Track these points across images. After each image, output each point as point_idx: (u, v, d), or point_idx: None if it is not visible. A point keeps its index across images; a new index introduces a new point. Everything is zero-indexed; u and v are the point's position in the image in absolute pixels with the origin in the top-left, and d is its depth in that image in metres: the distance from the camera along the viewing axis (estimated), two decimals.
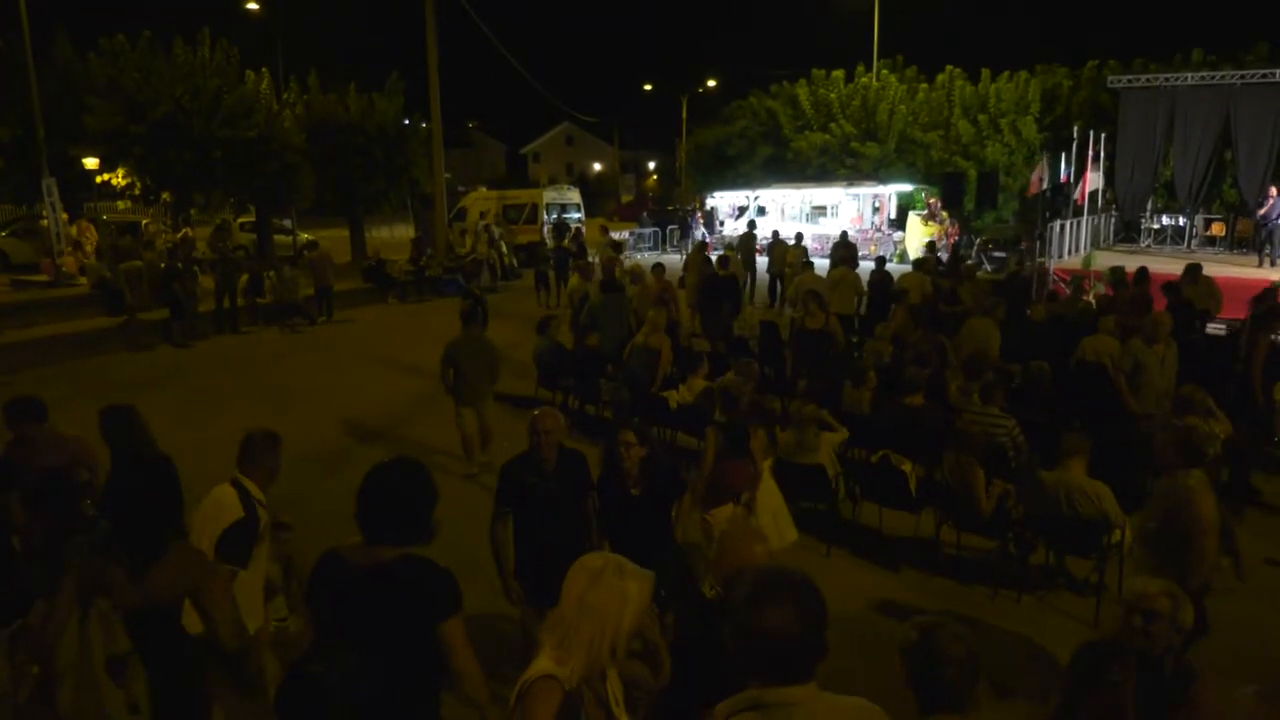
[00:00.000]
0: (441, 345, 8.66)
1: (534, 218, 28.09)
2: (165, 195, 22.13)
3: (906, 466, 6.96)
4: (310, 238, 27.32)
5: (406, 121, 27.71)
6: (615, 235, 31.20)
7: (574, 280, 13.12)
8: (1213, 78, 22.25)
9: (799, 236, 18.87)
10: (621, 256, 17.32)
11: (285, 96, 24.64)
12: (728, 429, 5.96)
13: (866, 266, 15.44)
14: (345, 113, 25.47)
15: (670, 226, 33.16)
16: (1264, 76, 21.27)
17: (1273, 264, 17.34)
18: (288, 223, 27.94)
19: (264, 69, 23.26)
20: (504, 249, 24.28)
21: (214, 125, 20.58)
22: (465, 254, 23.65)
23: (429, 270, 22.01)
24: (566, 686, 2.34)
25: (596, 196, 54.88)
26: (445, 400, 8.71)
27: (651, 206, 44.59)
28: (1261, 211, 18.12)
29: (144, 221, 25.16)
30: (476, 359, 8.51)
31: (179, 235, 23.01)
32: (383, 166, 26.10)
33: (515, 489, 4.69)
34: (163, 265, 17.09)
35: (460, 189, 40.81)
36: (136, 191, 21.80)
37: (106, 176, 21.25)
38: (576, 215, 29.84)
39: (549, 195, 29.63)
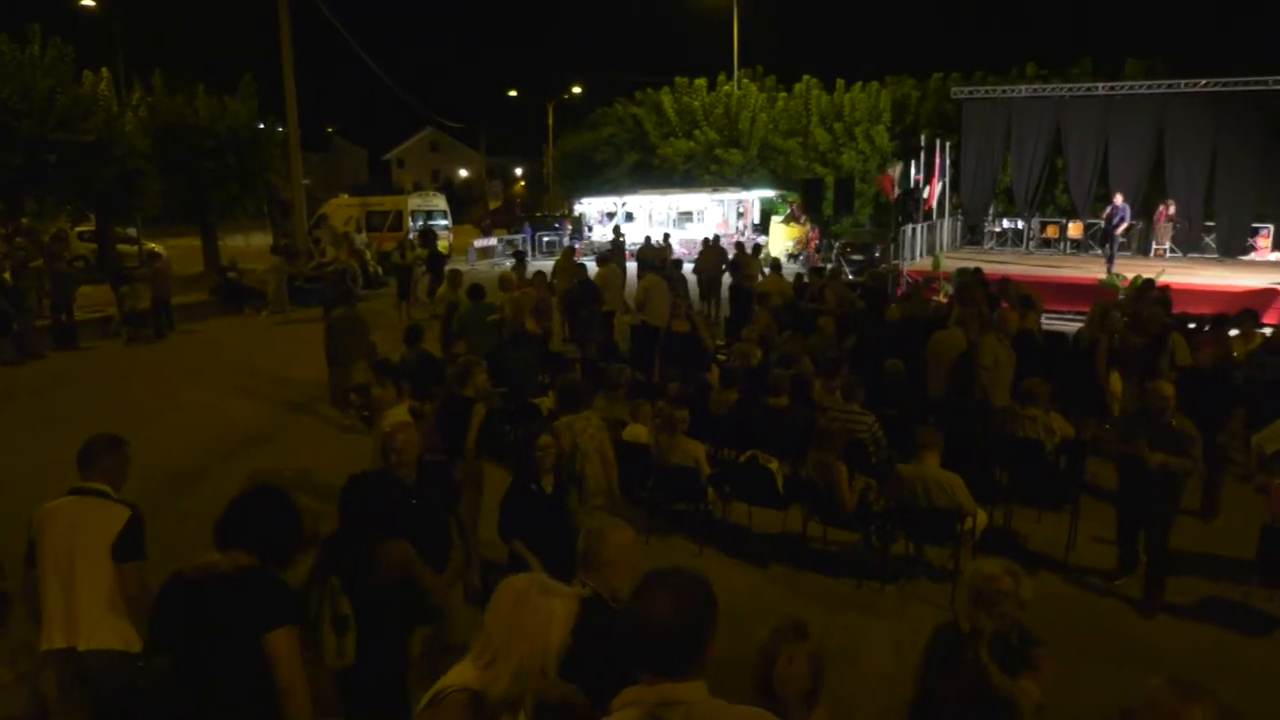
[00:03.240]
0: (302, 357, 8.38)
1: (399, 225, 27.47)
2: None
3: (774, 465, 7.15)
4: (156, 248, 25.85)
5: (261, 125, 26.63)
6: (480, 243, 30.92)
7: (443, 288, 12.89)
8: (1044, 90, 23.91)
9: (665, 237, 19.15)
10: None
11: (129, 98, 23.25)
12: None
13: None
14: (194, 115, 24.25)
15: (540, 233, 33.03)
16: (1088, 90, 23.02)
17: (1109, 267, 18.67)
18: (133, 231, 26.35)
19: (103, 69, 21.89)
20: (368, 257, 23.65)
21: (47, 127, 19.21)
22: (326, 263, 22.88)
23: (296, 280, 21.17)
24: (485, 704, 2.27)
25: (464, 203, 54.05)
26: (305, 415, 8.42)
27: (520, 213, 44.27)
28: (1104, 215, 19.55)
29: None
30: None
31: (48, 236, 21.26)
32: (236, 172, 24.98)
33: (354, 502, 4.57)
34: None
35: (321, 196, 39.49)
36: None
37: None
38: (443, 222, 29.34)
39: (414, 202, 29.03)
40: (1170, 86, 21.76)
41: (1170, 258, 21.57)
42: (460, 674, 2.31)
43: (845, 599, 6.39)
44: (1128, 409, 8.16)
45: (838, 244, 25.38)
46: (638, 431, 7.66)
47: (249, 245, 32.45)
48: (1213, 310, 13.73)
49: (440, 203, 30.40)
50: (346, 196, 34.54)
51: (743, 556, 7.04)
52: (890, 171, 19.14)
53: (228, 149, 24.53)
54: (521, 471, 5.06)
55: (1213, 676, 5.33)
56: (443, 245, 24.93)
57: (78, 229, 25.41)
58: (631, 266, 20.17)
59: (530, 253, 31.25)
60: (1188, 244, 22.16)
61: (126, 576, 3.81)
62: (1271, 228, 21.48)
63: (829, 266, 20.89)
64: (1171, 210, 21.62)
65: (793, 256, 25.72)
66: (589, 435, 5.87)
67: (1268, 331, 10.13)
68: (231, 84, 25.53)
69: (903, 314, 11.17)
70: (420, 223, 27.63)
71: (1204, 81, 21.11)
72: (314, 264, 22.33)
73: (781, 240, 26.02)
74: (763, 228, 27.83)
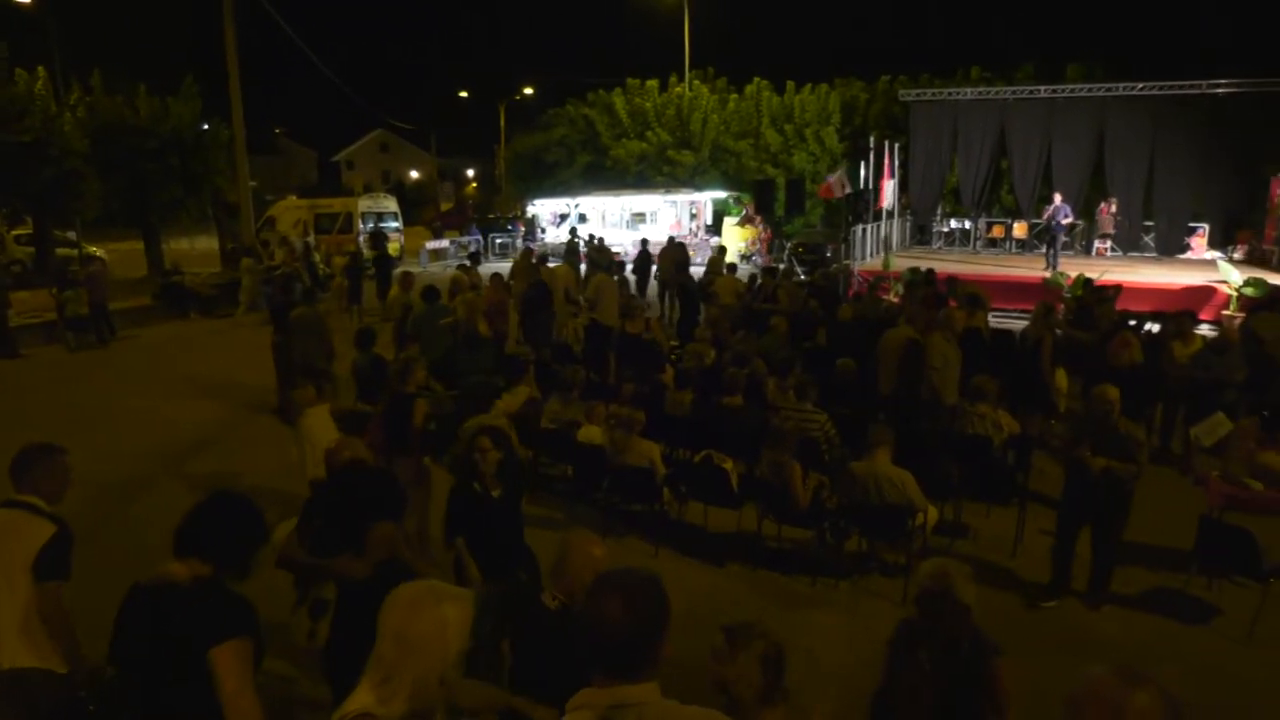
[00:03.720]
0: (250, 362, 8.26)
1: (349, 227, 27.12)
2: None
3: (728, 465, 7.19)
4: (97, 251, 25.21)
5: (206, 127, 26.10)
6: (432, 244, 30.64)
7: (395, 291, 12.74)
8: (989, 93, 24.40)
9: (600, 240, 19.04)
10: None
11: (67, 98, 22.64)
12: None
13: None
14: (134, 116, 23.67)
15: (492, 235, 32.85)
16: (1031, 93, 23.54)
17: (1050, 265, 19.11)
18: (73, 235, 25.66)
19: (39, 68, 21.28)
20: (316, 259, 23.30)
21: None
22: (274, 266, 22.49)
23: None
24: None
25: (415, 204, 53.54)
26: (253, 422, 8.27)
27: (472, 215, 43.99)
28: (1046, 214, 20.00)
29: None
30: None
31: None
32: (179, 174, 24.45)
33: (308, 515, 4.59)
34: None
35: (268, 198, 38.83)
36: None
37: None
38: (394, 224, 29.03)
39: (364, 204, 28.69)
40: (1109, 90, 22.36)
41: (1111, 256, 22.13)
42: (358, 698, 2.20)
43: (800, 596, 6.45)
44: (1074, 408, 8.35)
45: (790, 244, 25.61)
46: (592, 433, 7.66)
47: (194, 248, 31.80)
48: (1151, 308, 14.13)
49: (391, 204, 30.08)
50: (294, 198, 34.03)
51: (698, 556, 7.07)
52: (830, 179, 19.41)
53: (170, 150, 24.01)
54: (462, 472, 5.02)
55: (1156, 663, 5.49)
56: (393, 248, 24.68)
57: (14, 232, 24.69)
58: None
59: (483, 254, 31.09)
60: (1128, 243, 22.75)
61: (43, 596, 3.61)
62: (1207, 227, 22.14)
63: (781, 267, 21.06)
64: (1113, 208, 22.18)
65: (745, 257, 25.89)
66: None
67: (1205, 330, 10.49)
68: (174, 85, 25.00)
69: (854, 313, 11.31)
70: (371, 225, 27.31)
71: (1141, 85, 21.72)
72: (262, 267, 21.94)
73: (735, 241, 26.18)
74: (715, 228, 27.98)
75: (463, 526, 4.81)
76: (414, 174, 74.43)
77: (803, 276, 19.47)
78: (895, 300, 13.49)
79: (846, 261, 18.94)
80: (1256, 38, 37.65)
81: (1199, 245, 22.12)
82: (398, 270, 16.62)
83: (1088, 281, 12.98)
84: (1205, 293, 16.30)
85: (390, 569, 3.78)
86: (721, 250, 17.49)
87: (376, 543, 3.70)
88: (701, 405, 8.49)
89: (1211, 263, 19.37)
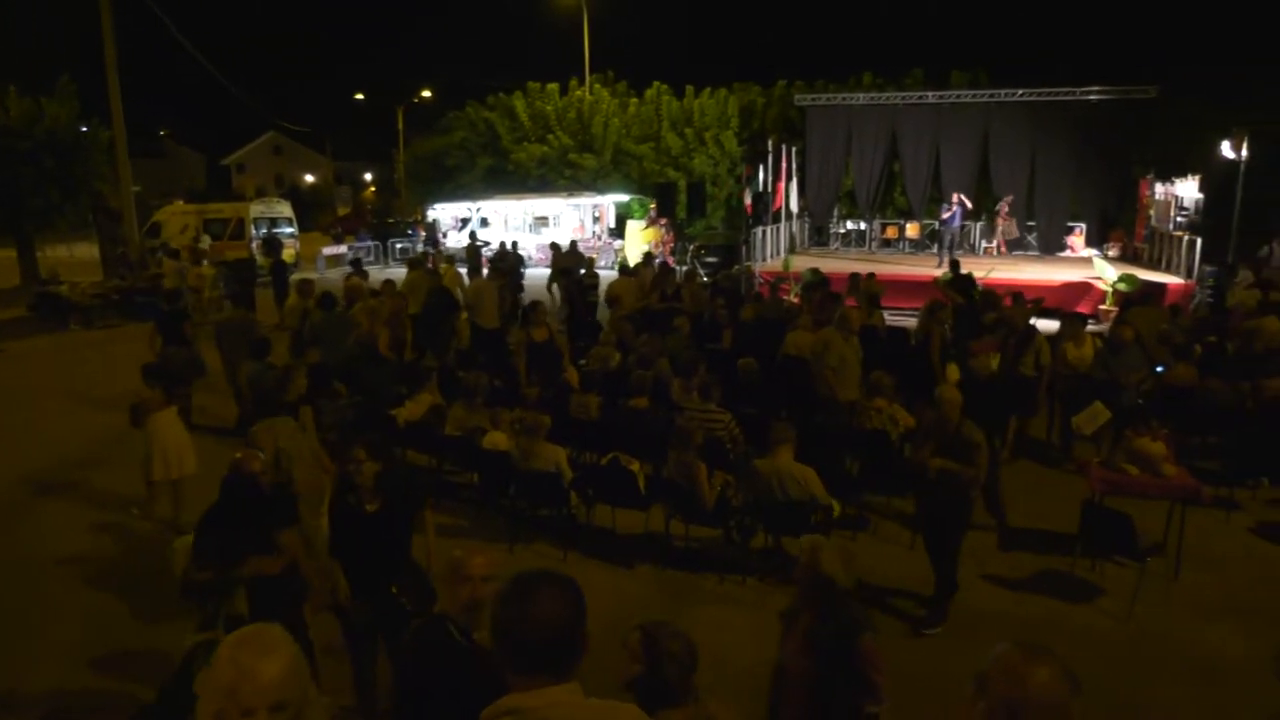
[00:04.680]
0: (134, 376, 7.92)
1: (240, 233, 26.19)
2: None
3: (635, 466, 7.23)
4: None
5: (85, 129, 24.81)
6: (330, 250, 29.87)
7: (293, 298, 12.35)
8: (880, 98, 25.19)
9: (514, 245, 18.90)
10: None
11: None
12: None
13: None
14: (4, 116, 22.36)
15: (391, 240, 32.21)
16: (920, 98, 24.41)
17: (941, 263, 19.82)
18: None
19: None
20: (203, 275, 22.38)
21: None
22: (160, 275, 21.53)
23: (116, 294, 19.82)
24: None
25: (310, 209, 52.09)
26: (138, 435, 7.91)
27: (371, 219, 43.06)
28: (945, 215, 20.73)
29: None
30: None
31: None
32: (56, 178, 23.17)
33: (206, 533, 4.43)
34: None
35: (154, 203, 37.16)
36: None
37: None
38: (289, 230, 28.17)
39: (256, 209, 27.71)
40: (992, 96, 23.37)
41: (997, 255, 23.09)
42: None
43: (708, 594, 6.53)
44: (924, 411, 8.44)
45: (692, 246, 25.89)
46: (498, 439, 7.60)
47: (73, 256, 30.22)
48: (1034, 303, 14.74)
49: (285, 209, 29.19)
50: (181, 204, 32.67)
51: (607, 559, 7.08)
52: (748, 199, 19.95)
53: (45, 153, 22.73)
54: (339, 485, 4.81)
55: (1046, 641, 5.74)
56: (288, 254, 23.94)
57: None
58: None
59: (383, 260, 30.45)
60: (1012, 242, 23.78)
61: None
62: (1084, 226, 23.34)
63: (684, 269, 21.28)
64: (1007, 209, 23.09)
65: (646, 257, 26.00)
66: (287, 436, 6.09)
67: (1094, 326, 11.03)
68: (49, 84, 23.68)
69: (756, 314, 11.50)
70: (264, 231, 26.46)
71: (1021, 92, 22.76)
72: (149, 275, 21.00)
73: (637, 243, 26.31)
74: (618, 231, 28.07)
75: (338, 543, 4.66)
76: (309, 178, 72.44)
77: (705, 278, 19.70)
78: (795, 300, 13.77)
79: (748, 263, 19.26)
80: (1123, 49, 39.89)
81: (1077, 244, 23.30)
82: (295, 277, 16.13)
83: (956, 277, 13.43)
84: (1083, 289, 17.18)
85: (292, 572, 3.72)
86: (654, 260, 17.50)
87: (287, 546, 3.65)
88: (607, 408, 8.51)
89: (1089, 260, 20.40)
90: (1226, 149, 18.01)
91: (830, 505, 6.53)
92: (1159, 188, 20.19)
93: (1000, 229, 23.17)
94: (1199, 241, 16.82)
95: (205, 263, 17.85)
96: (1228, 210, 17.53)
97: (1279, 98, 23.56)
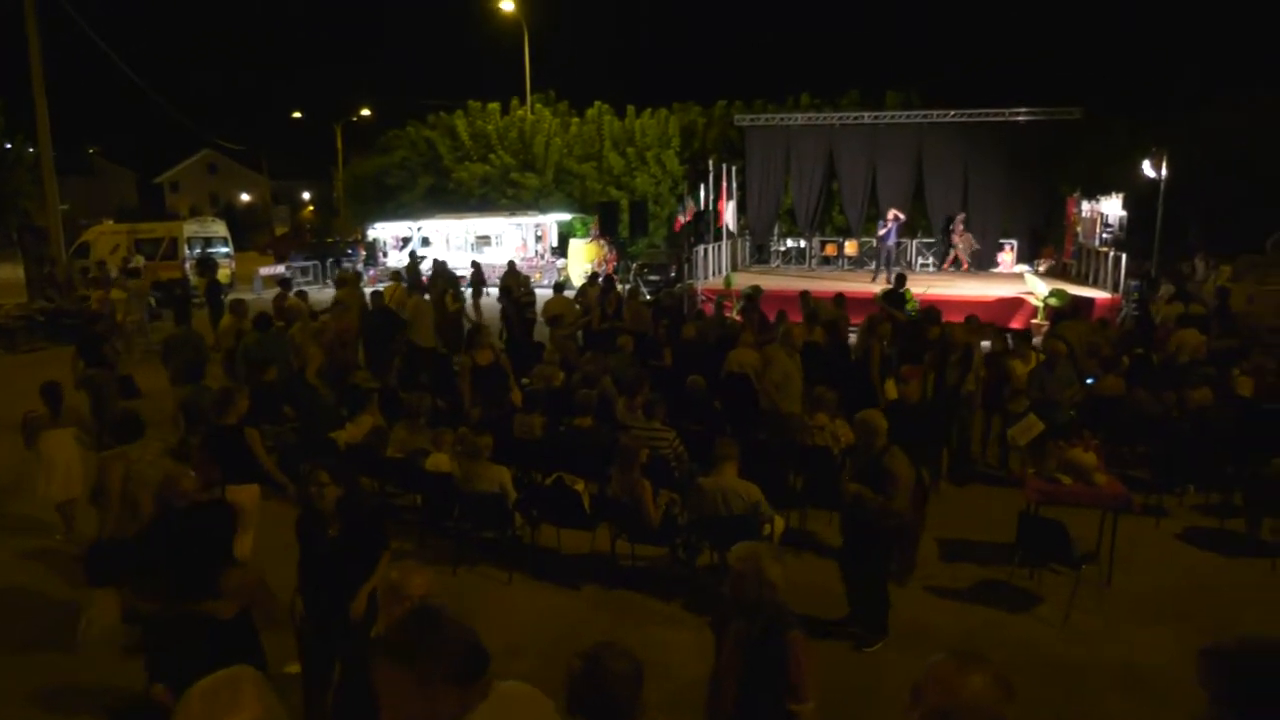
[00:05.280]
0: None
1: (173, 252, 25.59)
2: None
3: (580, 486, 7.20)
4: None
5: (9, 146, 24.08)
6: (267, 271, 29.33)
7: (227, 318, 12.09)
8: (818, 119, 25.65)
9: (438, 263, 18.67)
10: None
11: None
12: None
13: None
14: None
15: (331, 259, 31.76)
16: (855, 119, 24.93)
17: (877, 279, 20.22)
18: None
19: None
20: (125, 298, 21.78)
21: None
22: (85, 296, 20.89)
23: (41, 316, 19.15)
24: None
25: (247, 229, 51.15)
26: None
27: (310, 239, 42.39)
28: (881, 232, 21.12)
29: None
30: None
31: None
32: None
33: (117, 562, 4.31)
34: None
35: (83, 222, 36.10)
36: None
37: None
38: (224, 249, 27.62)
39: (190, 228, 27.14)
40: (925, 117, 23.97)
41: (931, 272, 23.60)
42: None
43: (655, 613, 6.52)
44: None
45: (634, 265, 25.99)
46: (440, 460, 7.51)
47: None
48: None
49: (220, 229, 28.63)
50: (111, 223, 31.81)
51: (553, 580, 7.04)
52: (681, 216, 20.07)
53: None
54: (302, 513, 4.70)
55: (987, 650, 5.85)
56: (223, 274, 23.44)
57: None
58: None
59: (322, 280, 29.97)
60: (946, 258, 24.34)
61: None
62: (1015, 243, 24.01)
63: (627, 286, 21.33)
64: (961, 226, 23.56)
65: (592, 276, 26.05)
66: (146, 463, 5.92)
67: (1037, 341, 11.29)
68: None
69: (698, 331, 11.57)
70: (198, 250, 25.90)
71: (953, 113, 23.39)
72: (76, 296, 20.37)
73: (581, 262, 26.34)
74: (561, 250, 28.07)
75: (301, 573, 4.57)
76: (245, 197, 71.15)
77: (648, 296, 19.78)
78: (738, 318, 13.89)
79: (690, 281, 19.39)
80: (1049, 72, 41.26)
81: (1008, 260, 23.94)
82: (230, 297, 15.78)
83: (892, 292, 13.72)
84: (1016, 304, 17.64)
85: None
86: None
87: (236, 590, 3.56)
88: (552, 427, 8.48)
89: (1020, 276, 20.96)
90: (1147, 168, 18.69)
91: (774, 521, 6.58)
92: (1085, 205, 20.87)
93: (959, 246, 23.66)
94: (1124, 257, 17.40)
95: (116, 288, 17.12)
96: (1150, 226, 18.18)
97: (1196, 119, 24.62)
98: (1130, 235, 18.43)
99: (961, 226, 23.43)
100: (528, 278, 18.04)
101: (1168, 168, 17.87)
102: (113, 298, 17.37)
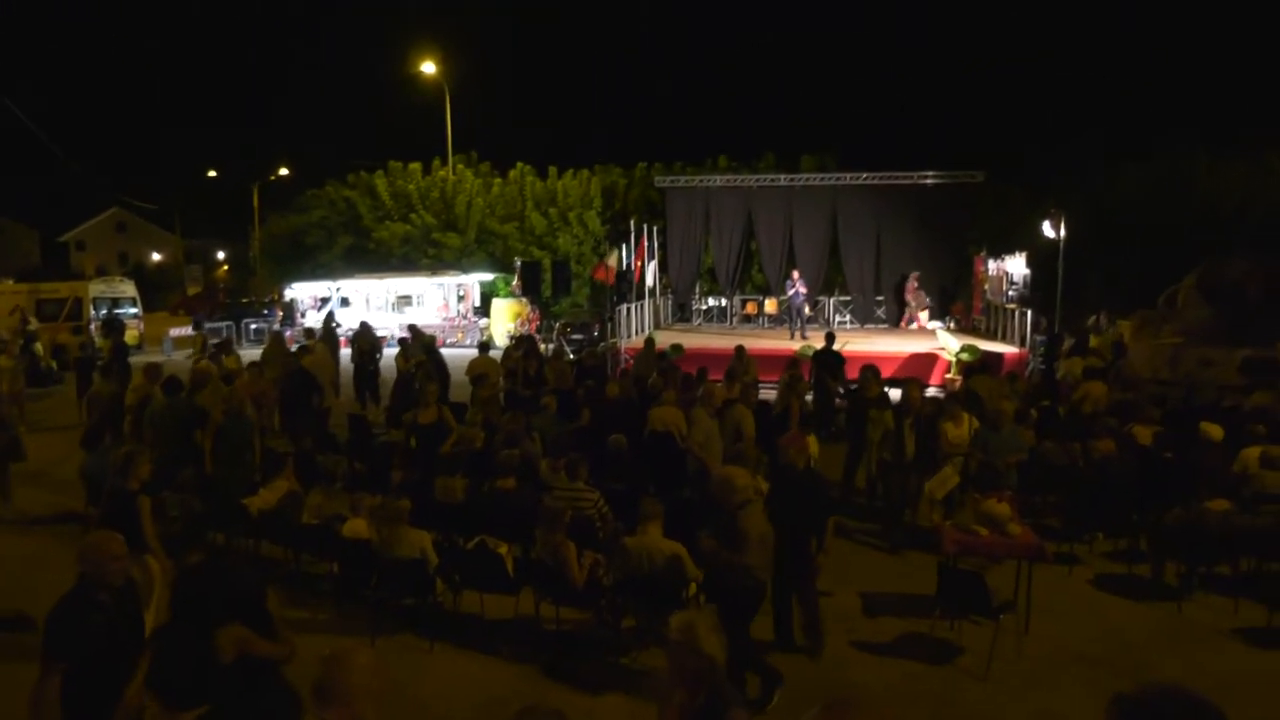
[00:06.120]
0: None
1: (78, 313, 24.71)
2: None
3: (503, 549, 7.07)
4: None
5: None
6: (177, 332, 28.50)
7: (138, 378, 11.64)
8: (736, 180, 26.32)
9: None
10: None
11: None
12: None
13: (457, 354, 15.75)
14: None
15: (247, 320, 31.02)
16: (772, 181, 25.66)
17: (795, 336, 20.64)
18: None
19: None
20: (38, 351, 20.96)
21: None
22: None
23: None
24: None
25: (158, 289, 49.71)
26: None
27: (224, 299, 41.37)
28: (790, 292, 21.60)
29: None
30: None
31: None
32: None
33: (72, 635, 3.99)
34: None
35: None
36: None
37: None
38: (132, 310, 26.79)
39: (96, 288, 26.34)
40: (839, 179, 24.82)
41: (851, 328, 24.18)
42: None
43: (582, 677, 6.40)
44: None
45: (557, 324, 26.03)
46: (358, 526, 7.30)
47: None
48: (888, 374, 15.46)
49: (128, 289, 27.81)
50: (11, 282, 30.61)
51: (476, 647, 6.86)
52: (608, 261, 20.12)
53: None
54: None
55: (909, 705, 5.91)
56: (131, 336, 22.66)
57: None
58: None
59: (237, 340, 29.17)
60: (864, 315, 25.03)
61: None
62: (928, 300, 24.79)
63: (550, 346, 21.32)
64: (915, 283, 24.14)
65: (517, 338, 25.97)
66: None
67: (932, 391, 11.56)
68: None
69: (621, 390, 11.59)
70: (104, 311, 25.06)
71: (865, 175, 24.27)
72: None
73: (503, 321, 26.26)
74: (484, 310, 27.95)
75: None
76: (156, 256, 69.20)
77: (571, 356, 19.79)
78: (660, 378, 13.96)
79: (613, 340, 19.48)
80: (955, 137, 43.34)
81: (922, 317, 24.69)
82: (140, 359, 15.24)
83: (825, 351, 13.99)
84: (930, 359, 18.17)
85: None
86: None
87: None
88: (473, 489, 8.34)
89: (933, 332, 21.62)
90: (1047, 228, 19.60)
91: (700, 580, 6.56)
92: (991, 264, 21.74)
93: (912, 304, 24.25)
94: (1029, 313, 18.12)
95: (4, 355, 16.11)
96: (1052, 283, 19.01)
97: (1088, 182, 26.06)
98: (1034, 292, 19.23)
99: (915, 284, 24.07)
100: (382, 339, 17.95)
101: (1066, 227, 18.76)
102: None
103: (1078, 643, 6.84)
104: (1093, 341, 18.33)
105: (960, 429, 9.22)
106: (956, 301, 24.45)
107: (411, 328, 17.60)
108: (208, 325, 30.23)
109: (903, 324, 24.01)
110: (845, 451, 10.62)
